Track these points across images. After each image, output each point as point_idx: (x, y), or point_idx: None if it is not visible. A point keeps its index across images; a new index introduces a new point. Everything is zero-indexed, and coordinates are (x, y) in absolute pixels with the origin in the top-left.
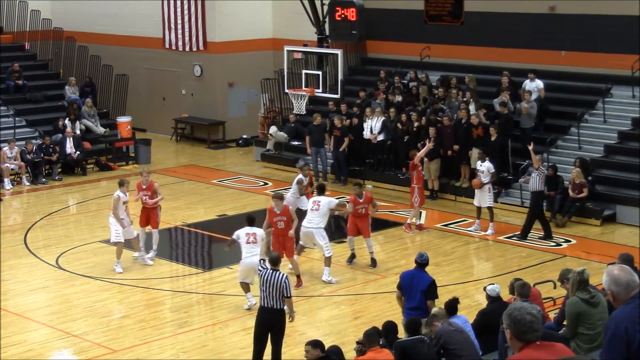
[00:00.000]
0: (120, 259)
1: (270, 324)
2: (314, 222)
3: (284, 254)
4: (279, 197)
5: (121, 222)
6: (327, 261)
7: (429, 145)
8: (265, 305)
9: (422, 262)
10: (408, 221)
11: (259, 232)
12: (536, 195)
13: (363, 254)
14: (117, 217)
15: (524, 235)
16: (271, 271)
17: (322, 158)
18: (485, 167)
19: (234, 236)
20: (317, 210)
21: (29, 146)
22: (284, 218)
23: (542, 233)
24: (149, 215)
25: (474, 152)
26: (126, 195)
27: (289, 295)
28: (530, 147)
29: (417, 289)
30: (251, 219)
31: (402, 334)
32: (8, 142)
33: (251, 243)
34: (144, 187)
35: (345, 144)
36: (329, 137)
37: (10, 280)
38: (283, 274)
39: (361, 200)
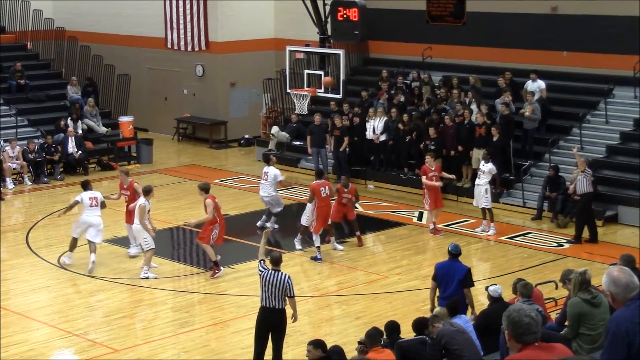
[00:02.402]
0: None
1: (272, 324)
2: (268, 191)
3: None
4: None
5: (149, 231)
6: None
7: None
8: (267, 305)
9: (456, 253)
10: (431, 226)
11: (99, 195)
12: (586, 197)
13: (365, 253)
14: (144, 225)
15: (578, 239)
16: (273, 271)
17: (322, 158)
18: (487, 168)
19: (78, 198)
20: (267, 181)
21: (30, 146)
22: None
23: (574, 235)
24: (132, 213)
25: (475, 153)
26: (149, 203)
27: (292, 295)
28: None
29: (453, 278)
30: (85, 184)
31: (404, 334)
32: (10, 142)
33: (94, 206)
34: (125, 187)
35: (345, 144)
36: (329, 137)
37: (11, 280)
38: (286, 274)
39: (346, 190)
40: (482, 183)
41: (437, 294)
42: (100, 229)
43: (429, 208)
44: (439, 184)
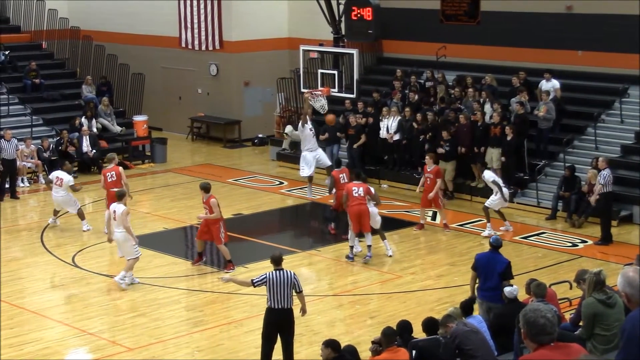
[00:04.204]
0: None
1: (281, 324)
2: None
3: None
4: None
5: (134, 236)
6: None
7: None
8: (275, 306)
9: (497, 245)
10: (444, 221)
11: (65, 176)
12: (608, 196)
13: (379, 252)
14: (130, 231)
15: (606, 240)
16: (276, 272)
17: (335, 153)
18: (489, 178)
19: (51, 176)
20: (60, 186)
21: (45, 143)
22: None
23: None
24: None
25: (489, 152)
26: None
27: (301, 290)
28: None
29: (494, 270)
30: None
31: (416, 334)
32: (25, 141)
33: (57, 185)
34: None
35: (362, 141)
36: (344, 135)
37: (26, 278)
38: (290, 271)
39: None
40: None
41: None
42: (68, 203)
43: (421, 206)
44: (435, 190)
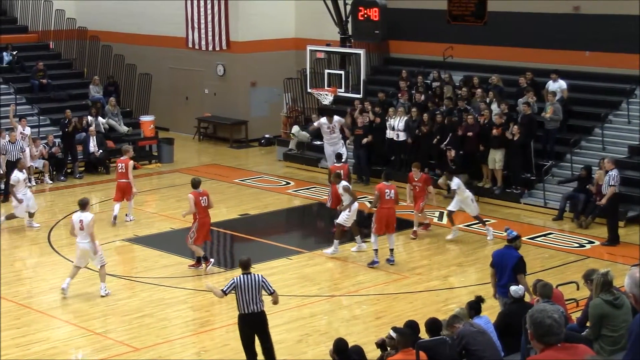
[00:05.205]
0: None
1: (255, 327)
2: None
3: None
4: None
5: (97, 246)
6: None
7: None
8: (245, 311)
9: (511, 240)
10: (415, 227)
11: (18, 177)
12: (615, 197)
13: (385, 253)
14: (93, 239)
15: (613, 241)
16: (244, 276)
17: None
18: (455, 185)
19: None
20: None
21: (49, 139)
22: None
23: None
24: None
25: (492, 153)
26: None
27: (272, 290)
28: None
29: (507, 266)
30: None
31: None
32: (34, 141)
33: (21, 187)
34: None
35: (368, 140)
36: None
37: (34, 278)
38: (258, 274)
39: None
40: (467, 194)
41: None
42: (26, 202)
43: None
44: (426, 199)
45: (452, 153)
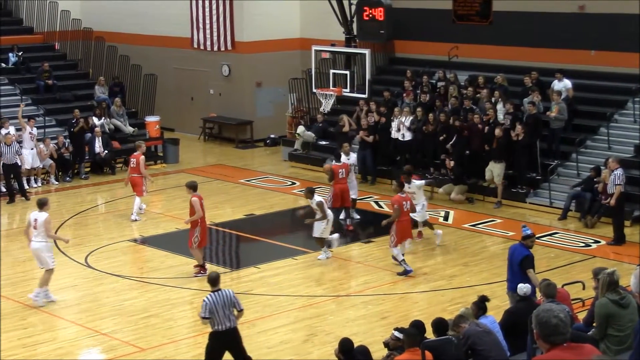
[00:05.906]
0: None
1: (229, 345)
2: None
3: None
4: None
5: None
6: None
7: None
8: (220, 328)
9: (524, 236)
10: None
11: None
12: (622, 196)
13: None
14: (52, 239)
15: (619, 240)
16: (214, 293)
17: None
18: (415, 187)
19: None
20: None
21: (59, 139)
22: None
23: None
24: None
25: (492, 166)
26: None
27: (241, 308)
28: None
29: (515, 262)
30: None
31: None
32: (44, 141)
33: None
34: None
35: (372, 139)
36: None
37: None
38: (229, 290)
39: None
40: (421, 201)
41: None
42: None
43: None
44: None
45: (451, 163)
